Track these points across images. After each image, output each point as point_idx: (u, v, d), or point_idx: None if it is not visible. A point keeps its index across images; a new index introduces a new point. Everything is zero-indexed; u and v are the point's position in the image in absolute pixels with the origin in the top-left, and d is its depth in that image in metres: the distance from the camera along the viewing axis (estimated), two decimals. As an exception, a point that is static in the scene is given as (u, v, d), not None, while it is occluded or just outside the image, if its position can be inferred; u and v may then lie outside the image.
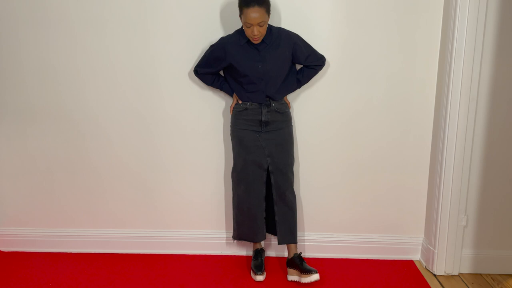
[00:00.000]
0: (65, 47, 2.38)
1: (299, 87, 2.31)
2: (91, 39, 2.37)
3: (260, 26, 2.04)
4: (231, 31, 2.26)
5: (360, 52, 2.32)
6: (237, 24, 2.21)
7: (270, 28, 2.15)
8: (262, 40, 2.13)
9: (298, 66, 2.30)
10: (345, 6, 2.27)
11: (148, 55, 2.37)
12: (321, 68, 2.27)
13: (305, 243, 2.52)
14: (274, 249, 2.52)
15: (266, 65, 2.16)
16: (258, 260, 2.33)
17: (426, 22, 2.27)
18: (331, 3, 2.28)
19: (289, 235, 2.29)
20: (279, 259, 2.48)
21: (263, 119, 2.22)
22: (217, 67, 2.24)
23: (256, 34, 2.05)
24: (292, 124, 2.34)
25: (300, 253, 2.31)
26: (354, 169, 2.45)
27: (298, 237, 2.41)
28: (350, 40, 2.31)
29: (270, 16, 2.10)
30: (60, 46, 2.38)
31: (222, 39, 2.22)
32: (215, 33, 2.31)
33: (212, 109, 2.42)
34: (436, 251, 2.32)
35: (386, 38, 2.29)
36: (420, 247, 2.50)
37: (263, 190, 2.27)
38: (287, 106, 2.30)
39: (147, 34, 2.35)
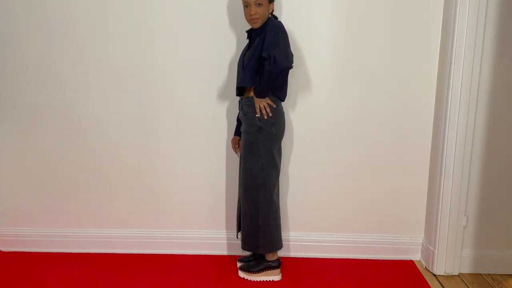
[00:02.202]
0: (67, 47, 2.38)
1: (259, 89, 2.05)
2: (94, 40, 2.37)
3: (258, 5, 2.01)
4: (234, 30, 2.26)
5: (359, 52, 2.32)
6: (239, 23, 2.22)
7: (270, 19, 2.09)
8: (255, 31, 2.09)
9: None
10: (345, 6, 2.27)
11: (151, 56, 2.37)
12: (269, 66, 1.97)
13: (305, 243, 2.52)
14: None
15: (246, 54, 2.12)
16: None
17: (426, 22, 2.27)
18: (331, 3, 2.28)
19: (243, 242, 2.28)
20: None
21: (239, 116, 2.24)
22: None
23: (253, 13, 2.01)
24: (261, 134, 2.12)
25: (251, 256, 2.35)
26: (354, 169, 2.45)
27: (297, 237, 2.42)
28: (349, 41, 2.31)
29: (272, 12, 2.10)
30: (62, 47, 2.38)
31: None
32: (218, 33, 2.32)
33: (214, 109, 2.42)
34: (436, 251, 2.32)
35: (386, 38, 2.30)
36: (420, 247, 2.50)
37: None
38: (254, 110, 2.11)
39: (150, 35, 2.35)
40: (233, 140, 2.38)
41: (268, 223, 2.20)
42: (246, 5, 2.05)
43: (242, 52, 2.21)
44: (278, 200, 2.28)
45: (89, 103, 2.44)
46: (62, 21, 2.36)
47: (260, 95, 2.08)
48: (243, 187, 2.22)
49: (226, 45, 2.34)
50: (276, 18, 2.16)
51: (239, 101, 2.22)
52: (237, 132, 2.35)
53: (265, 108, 2.09)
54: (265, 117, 2.10)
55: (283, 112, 2.21)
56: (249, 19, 2.06)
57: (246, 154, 2.17)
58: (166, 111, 2.43)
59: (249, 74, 2.09)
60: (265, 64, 2.01)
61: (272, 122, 2.13)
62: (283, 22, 2.23)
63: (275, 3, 2.20)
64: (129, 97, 2.43)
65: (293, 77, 2.32)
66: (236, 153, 2.39)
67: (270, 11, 2.10)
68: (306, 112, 2.39)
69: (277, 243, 2.27)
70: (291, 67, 2.04)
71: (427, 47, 2.30)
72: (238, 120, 2.33)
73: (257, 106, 2.10)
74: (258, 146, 2.13)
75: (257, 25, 2.06)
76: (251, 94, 2.14)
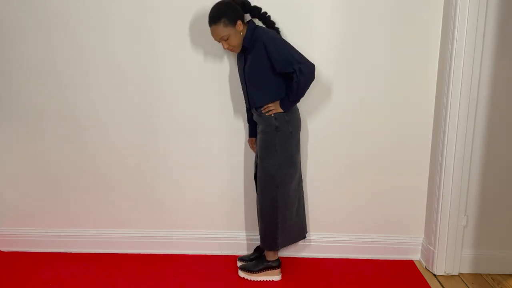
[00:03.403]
0: (67, 47, 2.38)
1: (290, 102, 2.11)
2: (93, 41, 2.37)
3: (226, 40, 2.06)
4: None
5: (359, 52, 2.32)
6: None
7: (253, 30, 2.09)
8: (243, 45, 2.11)
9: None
10: (345, 6, 2.27)
11: (151, 56, 2.37)
12: (297, 76, 2.01)
13: (305, 243, 2.52)
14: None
15: (245, 70, 2.15)
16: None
17: (426, 22, 2.27)
18: (331, 3, 2.28)
19: (262, 240, 2.30)
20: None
21: (254, 119, 2.27)
22: None
23: (226, 47, 2.08)
24: (278, 133, 2.14)
25: (251, 255, 2.39)
26: (354, 169, 2.45)
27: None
28: (349, 41, 2.31)
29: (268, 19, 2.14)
30: (62, 47, 2.38)
31: None
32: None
33: (214, 109, 2.42)
34: (436, 251, 2.32)
35: (386, 38, 2.29)
36: (420, 247, 2.50)
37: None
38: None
39: (150, 35, 2.35)
40: (250, 142, 2.41)
41: (286, 220, 2.24)
42: (218, 41, 2.09)
43: (239, 66, 2.23)
44: (301, 195, 2.33)
45: (89, 103, 2.45)
46: (62, 21, 2.36)
47: (290, 108, 2.15)
48: (260, 186, 2.23)
49: (226, 45, 2.34)
50: (253, 22, 2.13)
51: (249, 105, 2.25)
52: (253, 134, 2.36)
53: (269, 107, 2.14)
54: (267, 114, 2.14)
55: (297, 109, 2.24)
56: (227, 50, 2.12)
57: (263, 153, 2.19)
58: (166, 111, 2.43)
59: (264, 92, 2.13)
60: (292, 77, 2.05)
61: (288, 120, 2.16)
62: (282, 23, 2.24)
63: (271, 3, 2.21)
64: (129, 97, 2.43)
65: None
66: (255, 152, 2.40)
67: (241, 28, 2.06)
68: (306, 112, 2.39)
69: (299, 235, 2.35)
70: (314, 68, 2.06)
71: (427, 47, 2.30)
72: (250, 122, 2.35)
73: (267, 105, 2.14)
74: (275, 145, 2.15)
75: (237, 50, 2.12)
76: (259, 105, 2.17)
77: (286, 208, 2.22)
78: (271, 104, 2.14)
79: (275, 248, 2.25)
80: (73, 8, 2.34)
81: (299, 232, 2.35)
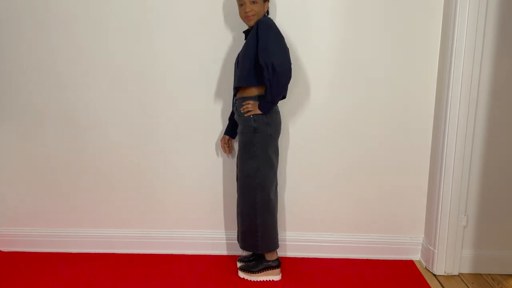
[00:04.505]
0: (67, 47, 2.39)
1: (267, 102, 2.05)
2: (93, 41, 2.37)
3: (252, 3, 2.02)
4: (234, 30, 2.26)
5: (359, 52, 2.32)
6: (240, 24, 2.22)
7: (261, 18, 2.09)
8: (250, 30, 2.10)
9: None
10: (345, 6, 2.27)
11: (151, 56, 2.37)
12: (268, 73, 1.96)
13: (305, 243, 2.52)
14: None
15: (241, 51, 2.12)
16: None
17: (426, 22, 2.27)
18: (331, 3, 2.28)
19: (241, 241, 2.28)
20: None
21: (235, 118, 2.24)
22: None
23: (248, 10, 2.02)
24: (257, 135, 2.11)
25: (251, 256, 2.36)
26: (354, 169, 2.45)
27: (297, 237, 2.41)
28: (349, 41, 2.31)
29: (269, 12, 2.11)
30: (62, 47, 2.39)
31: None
32: (218, 33, 2.32)
33: (214, 109, 2.42)
34: (436, 251, 2.32)
35: (386, 38, 2.29)
36: (420, 247, 2.50)
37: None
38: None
39: (150, 35, 2.35)
40: (222, 139, 2.37)
41: (267, 223, 2.20)
42: (241, 4, 2.06)
43: (239, 53, 2.21)
44: (276, 199, 2.28)
45: (89, 103, 2.45)
46: (62, 21, 2.36)
47: (268, 110, 2.09)
48: (240, 187, 2.23)
49: (226, 45, 2.34)
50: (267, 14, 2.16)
51: (233, 102, 2.23)
52: (228, 132, 2.35)
53: (247, 107, 2.10)
54: (245, 115, 2.10)
55: (278, 112, 2.21)
56: (244, 16, 2.06)
57: (242, 155, 2.17)
58: (166, 111, 2.43)
59: (244, 73, 2.07)
60: (264, 73, 1.98)
61: (267, 122, 2.12)
62: (282, 22, 2.24)
63: (270, 3, 2.20)
64: (129, 97, 2.43)
65: (293, 77, 2.30)
66: (225, 152, 2.39)
67: (265, 8, 2.10)
68: (305, 112, 2.39)
69: (276, 243, 2.28)
70: (290, 68, 2.01)
71: (427, 47, 2.30)
72: (230, 119, 2.34)
73: (245, 104, 2.10)
74: (254, 146, 2.13)
75: (252, 22, 2.06)
76: (245, 94, 2.14)
77: (266, 210, 2.19)
78: (250, 104, 2.09)
79: (256, 250, 2.23)
80: (73, 8, 2.34)
81: (276, 240, 2.29)
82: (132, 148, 2.49)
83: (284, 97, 2.20)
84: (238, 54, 2.18)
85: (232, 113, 2.31)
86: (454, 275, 2.35)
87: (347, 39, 2.31)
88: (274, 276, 2.27)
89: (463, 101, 2.16)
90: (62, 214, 2.59)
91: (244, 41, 2.20)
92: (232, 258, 2.50)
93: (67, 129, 2.48)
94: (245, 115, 2.11)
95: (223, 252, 2.56)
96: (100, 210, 2.57)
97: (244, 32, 2.19)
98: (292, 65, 2.06)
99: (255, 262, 2.29)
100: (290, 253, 2.53)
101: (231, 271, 2.37)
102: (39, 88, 2.44)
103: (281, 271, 2.31)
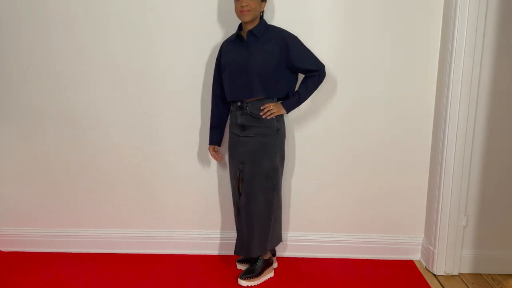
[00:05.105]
0: (67, 47, 2.39)
1: (297, 102, 2.14)
2: (93, 41, 2.37)
3: None
4: (234, 29, 2.25)
5: (359, 52, 2.32)
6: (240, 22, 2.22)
7: (265, 23, 2.11)
8: (251, 32, 2.07)
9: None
10: (344, 6, 2.27)
11: (151, 56, 2.37)
12: (318, 75, 2.12)
13: (305, 243, 2.52)
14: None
15: (251, 59, 2.06)
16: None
17: (426, 22, 2.27)
18: (331, 3, 2.28)
19: (238, 249, 2.24)
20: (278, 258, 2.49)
21: (238, 121, 2.16)
22: (220, 75, 2.22)
23: (244, 5, 2.01)
24: (279, 135, 2.15)
25: (257, 258, 2.26)
26: (354, 169, 2.45)
27: (297, 237, 2.41)
28: (349, 41, 2.31)
29: (267, 14, 2.12)
30: (62, 47, 2.39)
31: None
32: (218, 33, 2.32)
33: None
34: (436, 251, 2.32)
35: (386, 38, 2.29)
36: (420, 247, 2.50)
37: (238, 197, 2.24)
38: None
39: (150, 35, 2.35)
40: (211, 149, 2.32)
41: (276, 223, 2.25)
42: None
43: (232, 56, 2.13)
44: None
45: (89, 103, 2.44)
46: (62, 21, 2.36)
47: (292, 109, 2.17)
48: (251, 190, 2.15)
49: (226, 45, 2.34)
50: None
51: (238, 106, 2.15)
52: (215, 141, 2.30)
53: (270, 110, 2.11)
54: (269, 117, 2.11)
55: None
56: (239, 11, 2.04)
57: (260, 156, 2.12)
58: (166, 111, 2.43)
59: (272, 82, 2.09)
60: (311, 76, 2.12)
61: (282, 121, 2.20)
62: (282, 22, 2.24)
63: (270, 3, 2.21)
64: (129, 97, 2.43)
65: (293, 77, 2.32)
66: (217, 160, 2.36)
67: (262, 7, 2.09)
68: (305, 112, 2.39)
69: (280, 237, 2.33)
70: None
71: (427, 47, 2.30)
72: (215, 128, 2.29)
73: (267, 107, 2.10)
74: (276, 147, 2.14)
75: (247, 18, 2.04)
76: (260, 96, 2.11)
77: (279, 207, 2.25)
78: (271, 106, 2.10)
79: (263, 252, 2.22)
80: (73, 8, 2.34)
81: (279, 236, 2.32)
82: (132, 148, 2.49)
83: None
84: (235, 60, 2.10)
85: (217, 122, 2.28)
86: (454, 275, 2.35)
87: (347, 39, 2.31)
88: (271, 273, 2.28)
89: (463, 101, 2.17)
90: (62, 214, 2.59)
91: (236, 44, 2.14)
92: (231, 258, 2.50)
93: (67, 129, 2.48)
94: (269, 117, 2.11)
95: (223, 252, 2.56)
96: (100, 210, 2.57)
97: (238, 34, 2.12)
98: None
99: (253, 266, 2.24)
100: (290, 253, 2.53)
101: (231, 270, 2.37)
102: (39, 88, 2.44)
103: (281, 271, 2.31)
